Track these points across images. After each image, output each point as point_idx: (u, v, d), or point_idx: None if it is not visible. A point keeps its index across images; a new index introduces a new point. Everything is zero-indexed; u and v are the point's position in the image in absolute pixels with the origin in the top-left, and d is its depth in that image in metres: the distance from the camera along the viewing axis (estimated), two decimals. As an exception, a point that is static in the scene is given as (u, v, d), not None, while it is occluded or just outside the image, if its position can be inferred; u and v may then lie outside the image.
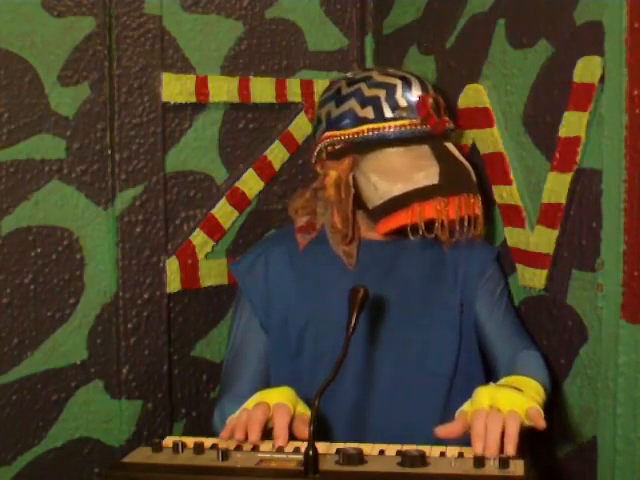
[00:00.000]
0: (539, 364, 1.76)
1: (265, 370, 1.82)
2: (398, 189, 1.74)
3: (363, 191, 1.78)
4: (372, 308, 1.77)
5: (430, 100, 1.78)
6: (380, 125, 1.76)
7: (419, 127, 1.76)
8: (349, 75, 1.87)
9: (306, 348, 1.81)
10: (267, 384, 1.79)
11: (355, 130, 1.78)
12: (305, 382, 1.76)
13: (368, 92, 1.78)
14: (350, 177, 1.79)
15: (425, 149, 1.77)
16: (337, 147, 1.80)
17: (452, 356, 1.81)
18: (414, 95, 1.77)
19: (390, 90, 1.77)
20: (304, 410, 1.55)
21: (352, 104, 1.78)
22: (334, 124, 1.80)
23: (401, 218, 1.75)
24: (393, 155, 1.76)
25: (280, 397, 1.55)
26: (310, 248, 1.83)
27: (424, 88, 1.80)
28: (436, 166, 1.75)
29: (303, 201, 1.86)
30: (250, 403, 1.55)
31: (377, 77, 1.80)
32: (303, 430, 1.48)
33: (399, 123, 1.76)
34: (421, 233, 1.73)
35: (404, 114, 1.76)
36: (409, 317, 1.81)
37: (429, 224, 1.74)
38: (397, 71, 1.84)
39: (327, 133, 1.81)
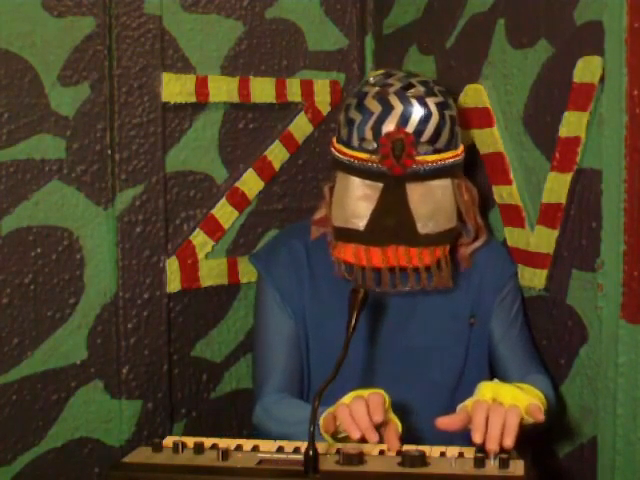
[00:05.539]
0: (547, 387, 1.73)
1: (298, 358, 1.81)
2: (337, 220, 1.73)
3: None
4: (377, 311, 1.77)
5: (397, 137, 1.66)
6: (347, 151, 1.72)
7: (375, 165, 1.68)
8: (370, 80, 1.76)
9: (314, 347, 1.81)
10: (301, 371, 1.80)
11: (335, 145, 1.76)
12: (312, 380, 1.78)
13: (351, 112, 1.72)
14: (326, 188, 1.78)
15: (378, 188, 1.69)
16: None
17: (456, 367, 1.80)
18: (384, 129, 1.67)
19: (365, 117, 1.69)
20: (395, 420, 1.53)
21: (341, 118, 1.75)
22: (336, 130, 1.80)
23: (334, 249, 1.75)
24: (350, 184, 1.71)
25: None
26: (324, 247, 1.81)
27: (403, 122, 1.66)
28: (369, 211, 1.69)
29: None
30: (347, 398, 1.53)
31: (369, 97, 1.70)
32: (391, 439, 1.46)
33: (360, 155, 1.69)
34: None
35: (368, 147, 1.69)
36: (415, 323, 1.80)
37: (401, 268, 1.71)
38: (395, 93, 1.69)
39: (334, 136, 1.80)
